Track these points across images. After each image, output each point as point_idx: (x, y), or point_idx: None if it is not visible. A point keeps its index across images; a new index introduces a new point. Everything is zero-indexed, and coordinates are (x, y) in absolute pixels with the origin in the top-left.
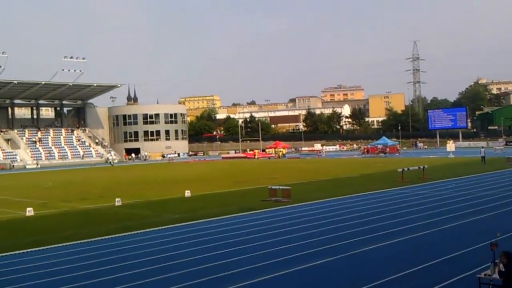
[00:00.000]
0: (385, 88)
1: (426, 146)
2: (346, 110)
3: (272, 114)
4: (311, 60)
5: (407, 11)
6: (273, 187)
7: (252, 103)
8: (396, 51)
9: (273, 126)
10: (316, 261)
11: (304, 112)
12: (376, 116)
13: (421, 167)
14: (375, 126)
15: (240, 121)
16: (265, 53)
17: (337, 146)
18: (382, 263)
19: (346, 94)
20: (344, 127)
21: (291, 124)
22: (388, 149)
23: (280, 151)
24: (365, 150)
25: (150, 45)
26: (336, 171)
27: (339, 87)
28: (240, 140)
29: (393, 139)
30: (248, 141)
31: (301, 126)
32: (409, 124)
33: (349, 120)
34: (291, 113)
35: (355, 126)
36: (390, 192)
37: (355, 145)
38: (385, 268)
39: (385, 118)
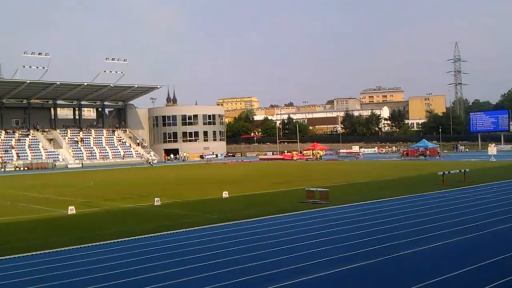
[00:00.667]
0: (425, 90)
1: (467, 149)
2: (385, 112)
3: (310, 115)
4: (350, 62)
5: (448, 11)
6: (310, 188)
7: (290, 104)
8: (437, 52)
9: (310, 127)
10: (353, 264)
11: (342, 114)
12: (416, 118)
13: (462, 170)
14: (415, 129)
15: (278, 122)
16: (303, 54)
17: (376, 149)
18: (421, 267)
19: (385, 96)
20: (383, 129)
21: (329, 126)
22: (428, 152)
23: (317, 153)
24: (405, 153)
25: (190, 47)
26: (375, 173)
27: (378, 89)
28: (277, 141)
29: (433, 141)
30: (285, 143)
31: (339, 128)
32: (450, 127)
33: (388, 122)
34: (329, 114)
35: (394, 128)
36: (430, 195)
37: (394, 147)
38: (425, 272)
39: (425, 120)
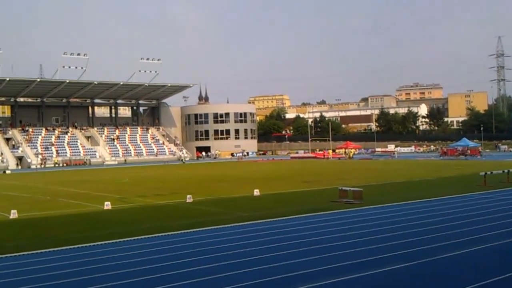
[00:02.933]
0: (466, 86)
1: (511, 149)
2: (422, 110)
3: (343, 113)
4: (385, 58)
5: (491, 4)
6: (343, 188)
7: (322, 102)
8: (479, 47)
9: (343, 126)
10: (386, 266)
11: (377, 111)
12: (456, 116)
13: (506, 170)
14: (455, 127)
15: (310, 120)
16: (336, 51)
17: (413, 147)
18: (458, 271)
19: (423, 93)
20: (421, 128)
21: (362, 124)
22: (469, 151)
23: (350, 152)
24: (444, 152)
25: (221, 45)
26: (411, 173)
27: (416, 86)
28: (309, 140)
29: (474, 140)
30: (317, 141)
31: (373, 126)
32: (492, 125)
33: (426, 120)
34: (363, 112)
35: (433, 126)
36: (470, 197)
37: (432, 146)
38: (462, 277)
39: (466, 118)
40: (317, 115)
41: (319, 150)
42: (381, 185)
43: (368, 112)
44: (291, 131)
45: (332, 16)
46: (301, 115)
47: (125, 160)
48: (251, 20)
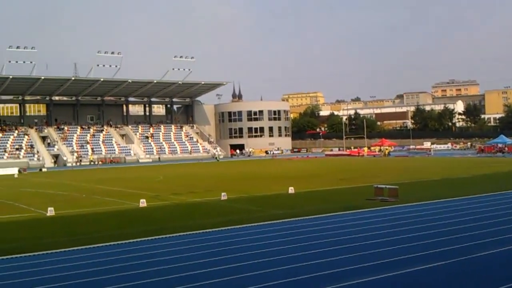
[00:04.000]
0: (503, 82)
1: None
2: (459, 106)
3: (378, 110)
4: (421, 54)
5: None
6: (379, 185)
7: (357, 99)
8: None
9: (378, 123)
10: (422, 265)
11: (412, 108)
12: (493, 113)
13: None
14: (492, 124)
15: (344, 118)
16: (371, 47)
17: (449, 145)
18: (494, 270)
19: (459, 90)
20: (457, 125)
21: (398, 121)
22: (506, 149)
23: (386, 149)
24: (481, 149)
25: (255, 43)
26: (448, 170)
27: (452, 82)
28: (344, 137)
29: None
30: (352, 139)
31: (409, 123)
32: None
33: (463, 117)
34: (398, 109)
35: (469, 123)
36: (507, 195)
37: (469, 143)
38: (498, 276)
39: (503, 115)
40: (352, 112)
41: (354, 148)
42: (417, 183)
43: (404, 109)
44: (326, 129)
45: (367, 11)
46: (336, 113)
47: (159, 158)
48: (285, 16)
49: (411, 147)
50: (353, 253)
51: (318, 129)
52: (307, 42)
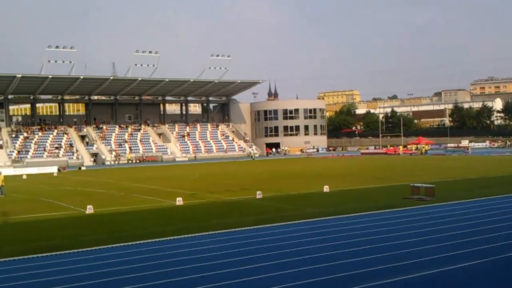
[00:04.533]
0: None
1: None
2: (498, 104)
3: (415, 108)
4: (459, 51)
5: None
6: (415, 184)
7: (394, 97)
8: None
9: (415, 121)
10: (459, 264)
11: (450, 106)
12: None
13: None
14: None
15: (381, 116)
16: (408, 45)
17: (487, 143)
18: None
19: (498, 87)
20: (495, 122)
21: (435, 119)
22: None
23: (423, 147)
24: None
25: (291, 41)
26: (485, 169)
27: (490, 79)
28: (380, 135)
29: None
30: (388, 137)
31: (446, 121)
32: None
33: (501, 114)
34: (435, 107)
35: (508, 121)
36: None
37: (507, 141)
38: None
39: None
40: (388, 110)
41: (390, 146)
42: (454, 182)
43: (441, 107)
44: (362, 127)
45: (404, 8)
46: (372, 111)
47: (195, 157)
48: (320, 15)
49: (449, 145)
50: (388, 252)
51: (354, 128)
52: (343, 40)
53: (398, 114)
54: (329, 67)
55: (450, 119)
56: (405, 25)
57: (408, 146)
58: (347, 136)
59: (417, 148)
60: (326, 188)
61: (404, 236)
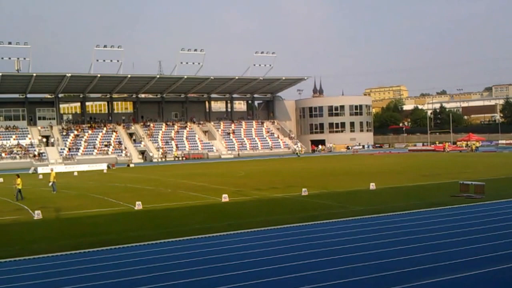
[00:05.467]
0: None
1: None
2: None
3: (464, 104)
4: (510, 45)
5: None
6: (465, 182)
7: (442, 92)
8: None
9: (465, 117)
10: (508, 263)
11: (501, 101)
12: None
13: None
14: None
15: (429, 112)
16: (457, 39)
17: None
18: None
19: None
20: None
21: (486, 115)
22: None
23: (473, 144)
24: None
25: (336, 37)
26: None
27: None
28: (428, 132)
29: None
30: (437, 133)
31: (497, 117)
32: None
33: None
34: (486, 103)
35: None
36: None
37: None
38: None
39: None
40: (437, 106)
41: (439, 143)
42: (505, 179)
43: (492, 102)
44: (409, 123)
45: (453, 1)
46: (420, 107)
47: (239, 154)
48: (366, 9)
49: (500, 142)
50: (436, 251)
51: (401, 124)
52: (389, 35)
53: (447, 110)
54: (376, 63)
55: (501, 114)
56: (454, 18)
57: (458, 143)
58: (394, 132)
59: (467, 145)
60: (372, 186)
61: (453, 234)
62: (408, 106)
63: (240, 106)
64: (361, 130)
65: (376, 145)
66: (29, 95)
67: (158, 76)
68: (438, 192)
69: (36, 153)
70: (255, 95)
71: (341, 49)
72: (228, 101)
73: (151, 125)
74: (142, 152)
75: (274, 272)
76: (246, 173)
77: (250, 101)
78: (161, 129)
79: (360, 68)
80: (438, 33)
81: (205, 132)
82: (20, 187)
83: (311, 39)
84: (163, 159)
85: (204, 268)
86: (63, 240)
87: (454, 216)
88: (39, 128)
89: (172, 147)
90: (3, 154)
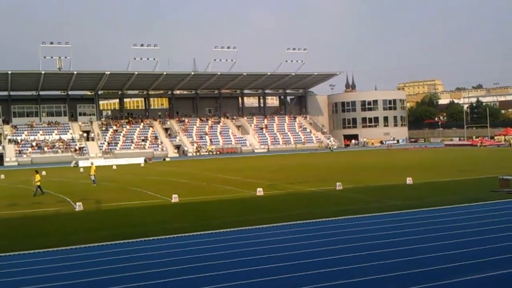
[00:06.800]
0: None
1: None
2: None
3: (502, 98)
4: None
5: None
6: (504, 177)
7: (479, 86)
8: None
9: (502, 111)
10: None
11: None
12: None
13: None
14: None
15: (465, 106)
16: (494, 31)
17: None
18: None
19: None
20: None
21: None
22: None
23: (511, 139)
24: None
25: (368, 31)
26: None
27: None
28: (464, 126)
29: None
30: (473, 128)
31: None
32: None
33: None
34: None
35: None
36: None
37: None
38: None
39: None
40: (473, 100)
41: (476, 137)
42: None
43: None
44: (445, 118)
45: None
46: (455, 101)
47: (268, 149)
48: (398, 3)
49: None
50: (475, 247)
51: (436, 118)
52: (423, 28)
53: (483, 104)
54: (410, 57)
55: None
56: (490, 11)
57: (496, 137)
58: (429, 127)
59: (505, 139)
60: (409, 180)
61: (493, 230)
62: (443, 100)
63: (272, 101)
64: (395, 125)
65: (411, 139)
66: (70, 92)
67: (192, 73)
68: (476, 188)
69: (77, 147)
70: (287, 91)
71: (373, 44)
72: (261, 97)
73: (186, 120)
74: (177, 147)
75: (310, 266)
76: (279, 167)
77: (282, 97)
78: (195, 124)
79: (394, 62)
80: (473, 26)
81: (238, 127)
82: (39, 183)
83: (344, 34)
84: (197, 153)
85: (239, 261)
86: (103, 231)
87: (494, 212)
88: (80, 123)
89: (206, 141)
90: (45, 148)
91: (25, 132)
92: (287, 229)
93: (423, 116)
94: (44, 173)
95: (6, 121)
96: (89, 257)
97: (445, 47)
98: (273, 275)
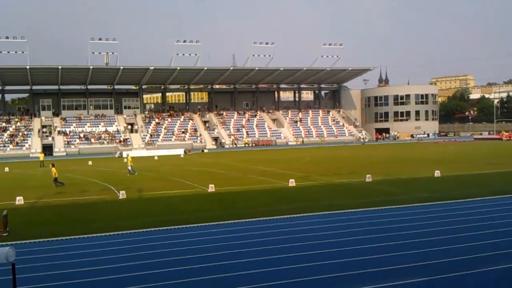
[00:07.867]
0: None
1: None
2: None
3: None
4: None
5: None
6: None
7: (510, 82)
8: None
9: None
10: None
11: None
12: None
13: None
14: None
15: (496, 101)
16: None
17: None
18: None
19: None
20: None
21: None
22: None
23: None
24: None
25: (402, 27)
26: None
27: None
28: (494, 120)
29: None
30: (503, 122)
31: None
32: None
33: None
34: None
35: None
36: None
37: None
38: None
39: None
40: (504, 95)
41: (505, 132)
42: None
43: None
44: (475, 112)
45: None
46: (487, 96)
47: (302, 141)
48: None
49: None
50: (500, 239)
51: (467, 113)
52: (456, 24)
53: None
54: (442, 52)
55: None
56: None
57: None
58: (460, 121)
59: None
60: (437, 173)
61: None
62: (474, 95)
63: (307, 95)
64: (426, 119)
65: (441, 133)
66: (116, 87)
67: (231, 68)
68: (505, 181)
69: (121, 139)
70: (322, 85)
71: (407, 39)
72: (296, 91)
73: (224, 113)
74: (215, 139)
75: (338, 255)
76: (312, 159)
77: (317, 91)
78: (233, 118)
79: (426, 57)
80: (505, 21)
81: (273, 120)
82: (56, 175)
83: (379, 29)
84: (234, 146)
85: (270, 248)
86: (144, 218)
87: None
88: (124, 116)
89: (243, 134)
90: (92, 140)
91: (74, 124)
92: (317, 219)
93: (454, 110)
94: (90, 163)
95: (56, 114)
96: (136, 242)
97: (478, 42)
98: (301, 263)
